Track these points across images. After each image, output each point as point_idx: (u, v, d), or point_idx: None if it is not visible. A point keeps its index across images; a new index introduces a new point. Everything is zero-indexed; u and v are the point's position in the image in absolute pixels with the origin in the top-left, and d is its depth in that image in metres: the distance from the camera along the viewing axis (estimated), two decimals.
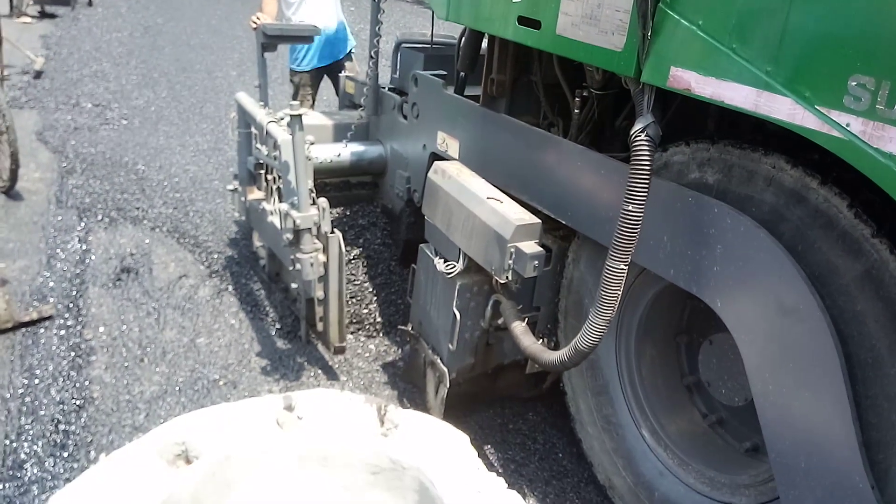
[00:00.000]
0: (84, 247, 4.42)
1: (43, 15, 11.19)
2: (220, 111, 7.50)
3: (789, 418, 1.95)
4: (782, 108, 1.68)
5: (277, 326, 3.93)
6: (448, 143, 3.31)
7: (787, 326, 1.91)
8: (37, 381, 3.31)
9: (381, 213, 4.20)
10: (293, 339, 3.84)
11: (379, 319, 3.93)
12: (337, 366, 3.66)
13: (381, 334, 3.88)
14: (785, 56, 1.67)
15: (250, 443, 1.87)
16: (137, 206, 4.99)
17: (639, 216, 1.98)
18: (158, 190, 5.37)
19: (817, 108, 1.62)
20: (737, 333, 2.08)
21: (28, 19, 10.58)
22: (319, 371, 3.62)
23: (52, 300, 3.78)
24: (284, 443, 1.89)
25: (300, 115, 3.06)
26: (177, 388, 3.38)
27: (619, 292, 2.09)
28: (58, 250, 4.38)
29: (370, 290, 3.98)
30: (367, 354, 3.77)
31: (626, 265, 2.05)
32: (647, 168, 1.96)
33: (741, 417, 2.62)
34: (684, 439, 2.70)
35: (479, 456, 1.92)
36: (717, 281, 2.08)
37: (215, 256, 4.54)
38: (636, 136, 1.98)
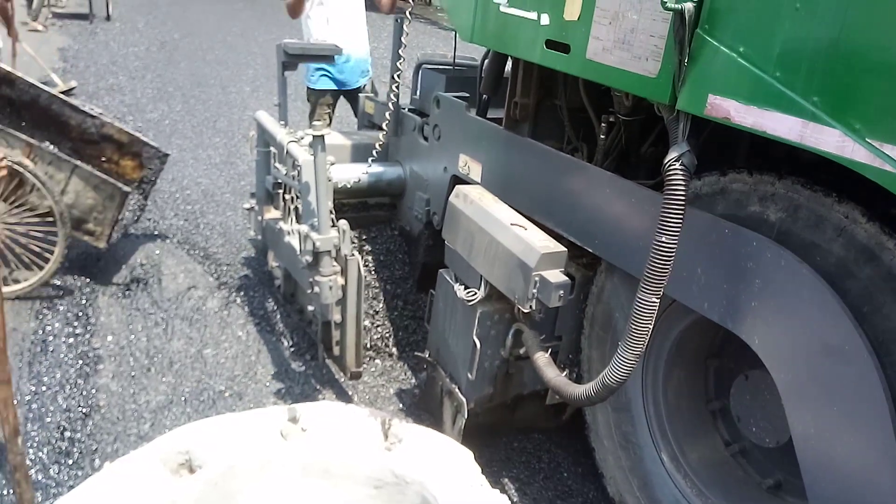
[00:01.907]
0: (94, 256, 4.43)
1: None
2: (233, 126, 7.48)
3: (832, 463, 1.84)
4: (830, 140, 1.59)
5: (284, 339, 3.87)
6: (470, 165, 3.23)
7: (831, 367, 1.80)
8: (44, 388, 3.26)
9: (397, 235, 4.11)
10: (299, 352, 3.78)
11: (388, 337, 3.85)
12: (343, 379, 3.59)
13: (387, 351, 3.82)
14: (833, 86, 1.58)
15: (253, 453, 1.85)
16: (149, 217, 4.93)
17: (672, 248, 1.89)
18: (170, 202, 5.33)
19: (868, 140, 1.53)
20: (776, 373, 1.97)
21: (40, 27, 10.66)
22: (325, 384, 3.57)
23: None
24: (288, 454, 1.88)
25: (322, 136, 2.97)
26: (183, 399, 3.34)
27: (650, 326, 1.99)
28: (67, 259, 4.40)
29: (381, 310, 3.89)
30: (374, 370, 3.70)
31: (657, 298, 1.95)
32: (682, 198, 1.87)
33: (766, 451, 2.49)
34: (705, 468, 2.59)
35: (482, 473, 1.90)
36: (755, 317, 1.98)
37: (224, 269, 4.50)
38: (670, 165, 1.89)
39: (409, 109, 3.96)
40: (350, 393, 3.53)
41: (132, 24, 12.33)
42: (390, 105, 3.84)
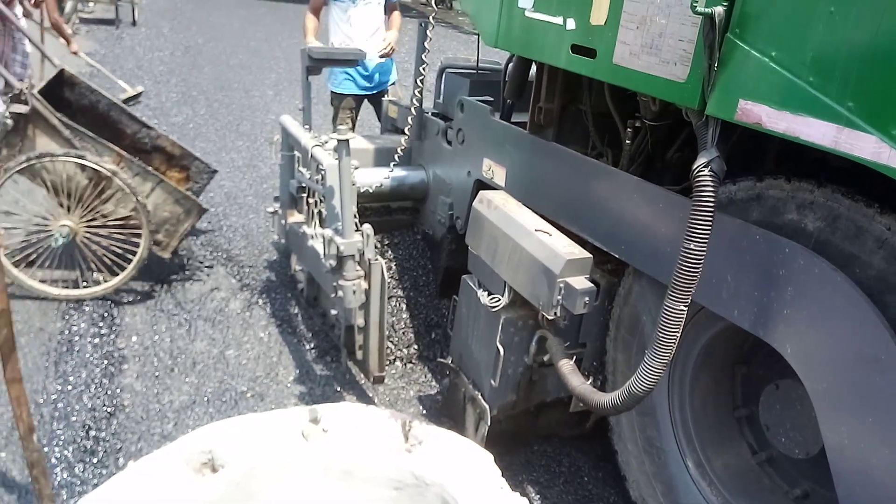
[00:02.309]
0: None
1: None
2: (255, 129, 7.51)
3: (867, 475, 1.79)
4: (866, 147, 1.55)
5: (305, 341, 3.88)
6: (494, 170, 3.20)
7: (867, 377, 1.75)
8: (70, 387, 3.29)
9: (420, 239, 4.09)
10: (321, 354, 3.78)
11: (409, 341, 3.84)
12: (363, 381, 3.60)
13: (408, 354, 3.80)
14: (869, 91, 1.54)
15: (275, 454, 1.86)
16: None
17: (701, 255, 1.85)
18: None
19: None
20: (808, 382, 1.92)
21: (68, 31, 10.80)
22: (346, 386, 3.57)
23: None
24: (309, 455, 1.89)
25: (347, 140, 2.96)
26: (205, 399, 3.35)
27: (678, 334, 1.94)
28: None
29: (403, 313, 3.88)
30: (394, 372, 3.69)
31: (685, 306, 1.91)
32: (711, 205, 1.83)
33: (794, 462, 2.43)
34: (730, 476, 2.53)
35: (502, 475, 1.90)
36: (787, 326, 1.93)
37: (247, 271, 4.51)
38: (699, 171, 1.85)
39: (433, 113, 3.95)
40: (370, 395, 3.53)
41: (157, 29, 12.46)
42: (413, 109, 3.83)
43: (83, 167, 3.78)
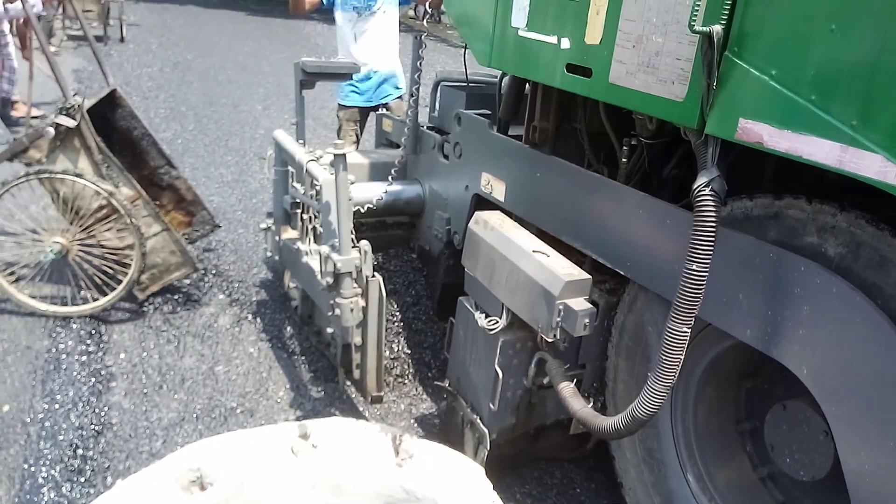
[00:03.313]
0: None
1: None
2: (244, 144, 7.46)
3: (889, 500, 1.73)
4: (871, 166, 1.51)
5: (296, 356, 3.84)
6: (493, 184, 3.13)
7: (888, 400, 1.70)
8: (57, 406, 3.23)
9: (415, 257, 4.02)
10: (311, 368, 3.74)
11: (400, 355, 3.79)
12: (354, 396, 3.55)
13: (400, 368, 3.76)
14: (874, 109, 1.51)
15: (265, 470, 1.85)
16: None
17: (703, 276, 1.81)
18: None
19: None
20: (826, 405, 1.85)
21: (53, 48, 10.80)
22: (336, 400, 3.52)
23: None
24: (298, 471, 1.87)
25: (343, 155, 2.89)
26: (194, 416, 3.30)
27: (681, 356, 1.90)
28: None
29: (393, 325, 3.82)
30: (386, 386, 3.70)
31: (689, 328, 1.87)
32: (713, 225, 1.80)
33: (798, 482, 2.35)
34: (732, 492, 2.47)
35: (494, 489, 1.89)
36: (803, 346, 1.86)
37: (236, 286, 4.45)
38: (699, 192, 1.81)
39: (428, 127, 3.89)
40: (361, 409, 3.48)
41: (146, 45, 12.43)
42: (409, 123, 3.77)
43: (96, 193, 3.77)
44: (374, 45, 4.97)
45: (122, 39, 12.40)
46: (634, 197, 2.38)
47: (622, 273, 2.45)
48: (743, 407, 2.55)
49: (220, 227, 4.83)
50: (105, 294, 3.94)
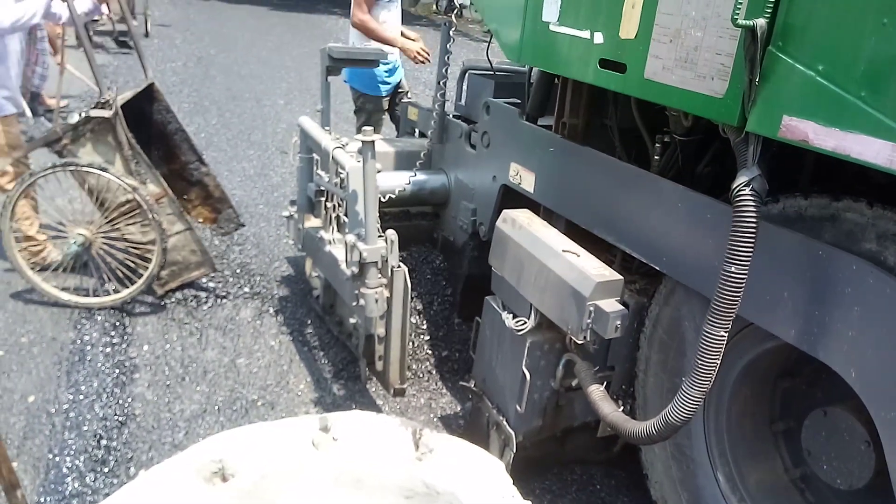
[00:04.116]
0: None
1: (120, 44, 11.63)
2: (267, 138, 7.49)
3: None
4: None
5: (316, 349, 3.83)
6: (522, 175, 3.05)
7: None
8: (81, 396, 3.25)
9: (436, 251, 3.96)
10: (332, 361, 3.73)
11: (420, 348, 3.77)
12: (374, 389, 3.56)
13: (419, 361, 3.75)
14: None
15: (286, 462, 1.84)
16: None
17: (742, 279, 1.75)
18: None
19: None
20: (875, 410, 1.77)
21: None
22: (356, 394, 3.51)
23: None
24: (319, 463, 1.86)
25: (372, 142, 2.82)
26: (216, 408, 3.31)
27: (718, 361, 1.84)
28: None
29: (413, 318, 3.77)
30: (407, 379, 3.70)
31: (726, 331, 1.80)
32: (753, 226, 1.73)
33: (833, 489, 2.27)
34: (763, 493, 2.40)
35: (514, 484, 1.88)
36: (852, 348, 1.78)
37: (257, 279, 4.46)
38: (739, 191, 1.75)
39: (454, 116, 3.81)
40: (381, 403, 3.48)
41: (170, 40, 12.50)
42: (436, 111, 3.70)
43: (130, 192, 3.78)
44: (393, 34, 4.93)
45: (146, 35, 12.49)
46: (675, 191, 2.28)
47: (658, 269, 2.36)
48: (778, 407, 2.47)
49: (244, 225, 4.84)
50: (126, 287, 3.96)
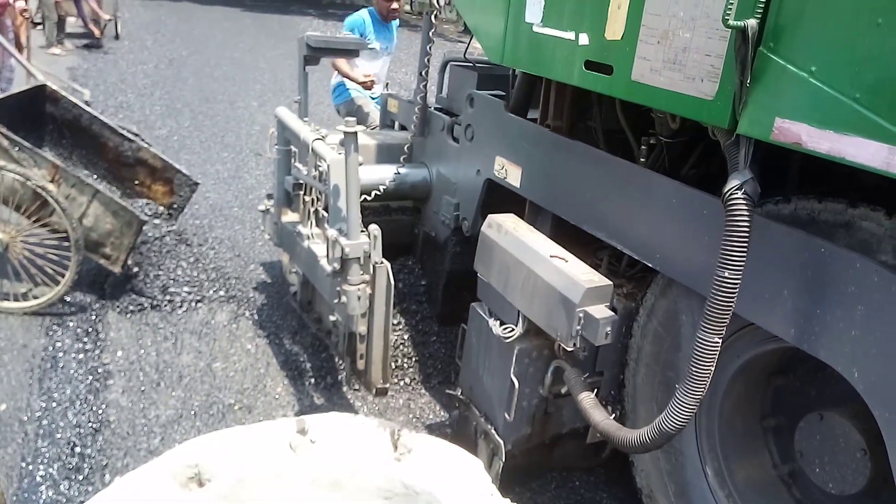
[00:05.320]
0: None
1: (88, 46, 11.51)
2: (240, 140, 7.40)
3: None
4: None
5: (293, 352, 3.79)
6: (508, 169, 2.97)
7: None
8: (54, 404, 3.18)
9: (420, 245, 3.88)
10: (309, 364, 3.68)
11: (399, 346, 3.71)
12: (352, 391, 3.51)
13: (398, 361, 3.71)
14: None
15: (263, 466, 1.84)
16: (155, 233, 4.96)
17: (735, 283, 1.71)
18: (179, 216, 5.38)
19: None
20: (878, 410, 1.73)
21: (58, 51, 10.80)
22: (334, 395, 3.48)
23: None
24: (297, 466, 1.86)
25: (355, 134, 2.73)
26: (192, 413, 3.25)
27: (712, 368, 1.80)
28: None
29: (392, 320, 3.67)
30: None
31: (720, 337, 1.77)
32: (746, 230, 1.70)
33: (822, 490, 2.23)
34: (751, 489, 2.38)
35: (492, 482, 1.88)
36: (856, 348, 1.72)
37: (233, 282, 4.39)
38: (731, 194, 1.71)
39: (436, 108, 3.73)
40: (359, 404, 3.45)
41: (141, 42, 12.35)
42: (419, 103, 3.63)
43: (23, 182, 3.67)
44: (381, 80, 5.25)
45: (116, 36, 12.34)
46: (669, 186, 2.23)
47: (651, 266, 2.32)
48: (770, 402, 2.43)
49: (199, 183, 4.75)
50: (57, 283, 3.86)
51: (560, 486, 3.07)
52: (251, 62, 11.69)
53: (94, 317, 3.92)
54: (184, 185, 4.64)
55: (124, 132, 4.50)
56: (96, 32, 11.46)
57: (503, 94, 3.23)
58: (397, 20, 5.51)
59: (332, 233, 2.88)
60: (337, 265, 2.86)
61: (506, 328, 2.59)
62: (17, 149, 3.72)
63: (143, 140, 4.59)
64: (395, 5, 5.21)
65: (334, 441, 1.91)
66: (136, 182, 4.50)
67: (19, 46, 7.03)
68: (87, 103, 4.57)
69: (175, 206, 4.62)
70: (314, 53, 3.60)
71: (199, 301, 4.19)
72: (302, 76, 3.71)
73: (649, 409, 2.58)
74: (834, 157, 1.56)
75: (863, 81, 1.50)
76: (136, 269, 4.16)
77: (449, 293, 3.67)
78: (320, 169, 3.09)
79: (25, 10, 7.37)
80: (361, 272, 2.87)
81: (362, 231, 2.87)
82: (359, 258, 2.84)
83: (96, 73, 9.66)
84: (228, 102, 9.00)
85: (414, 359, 3.73)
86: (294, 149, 3.50)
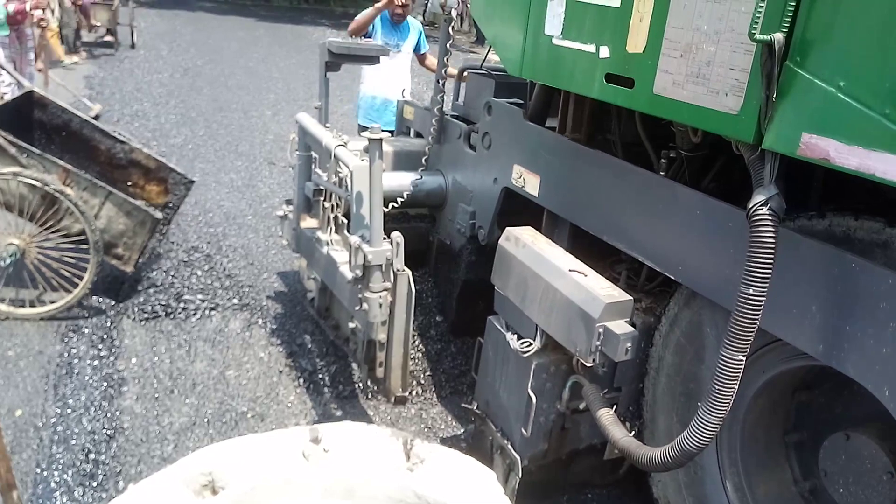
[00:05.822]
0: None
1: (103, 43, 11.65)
2: (254, 149, 7.42)
3: None
4: None
5: (306, 360, 3.78)
6: (526, 178, 2.94)
7: None
8: (69, 410, 3.18)
9: (435, 253, 3.84)
10: (322, 372, 3.67)
11: (414, 359, 3.68)
12: (364, 399, 3.49)
13: (412, 370, 3.68)
14: None
15: (276, 474, 1.84)
16: (172, 240, 4.84)
17: (760, 301, 1.68)
18: (193, 225, 5.24)
19: None
20: None
21: (76, 59, 10.92)
22: (347, 404, 3.46)
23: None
24: (310, 475, 1.86)
25: (380, 140, 2.71)
26: (205, 420, 3.25)
27: (735, 387, 1.77)
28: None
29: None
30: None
31: (744, 355, 1.74)
32: (771, 247, 1.67)
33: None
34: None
35: (506, 493, 1.88)
36: (886, 366, 1.69)
37: (246, 290, 4.40)
38: (756, 210, 1.68)
39: (452, 116, 3.71)
40: (371, 413, 3.45)
41: (156, 51, 12.45)
42: (436, 110, 3.59)
43: (32, 186, 3.68)
44: (391, 78, 5.22)
45: (132, 46, 12.46)
46: (693, 197, 2.19)
47: (674, 278, 2.28)
48: (793, 418, 2.39)
49: (194, 181, 4.75)
50: (75, 286, 3.87)
51: (572, 498, 3.05)
52: (265, 72, 11.76)
53: (108, 324, 3.93)
54: (178, 184, 4.63)
55: (116, 134, 4.51)
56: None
57: (521, 102, 3.20)
58: (415, 20, 5.57)
59: (354, 239, 2.87)
60: (359, 272, 2.85)
61: (523, 342, 2.55)
62: (25, 155, 3.74)
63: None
64: (398, 10, 5.22)
65: (347, 450, 1.91)
66: (130, 183, 4.49)
67: (39, 54, 7.10)
68: (96, 117, 4.61)
69: (171, 205, 4.61)
70: (336, 59, 3.61)
71: (212, 309, 4.20)
72: (323, 82, 3.71)
73: (669, 420, 2.55)
74: (863, 173, 1.53)
75: (893, 97, 1.47)
76: (150, 277, 4.18)
77: (463, 302, 3.65)
78: (341, 175, 3.07)
79: (43, 19, 7.46)
80: (383, 279, 2.85)
81: (385, 238, 2.85)
82: (381, 265, 2.82)
83: (112, 83, 9.75)
84: (242, 111, 9.05)
85: (425, 368, 3.71)
86: (315, 155, 3.49)
